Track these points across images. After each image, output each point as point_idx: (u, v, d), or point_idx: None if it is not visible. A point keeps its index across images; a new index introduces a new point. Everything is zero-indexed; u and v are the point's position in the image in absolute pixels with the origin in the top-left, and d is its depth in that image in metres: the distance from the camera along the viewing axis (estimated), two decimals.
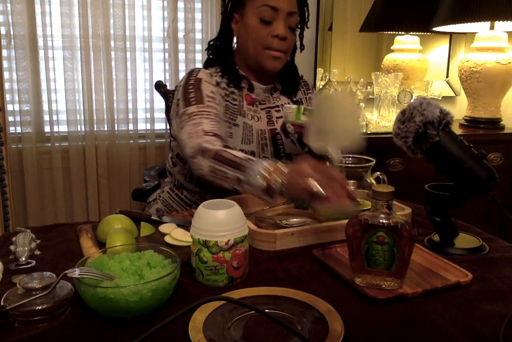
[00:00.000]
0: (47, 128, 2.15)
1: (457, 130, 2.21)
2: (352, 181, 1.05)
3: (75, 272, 0.65)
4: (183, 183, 1.34)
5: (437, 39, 2.57)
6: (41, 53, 2.05)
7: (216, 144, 1.09)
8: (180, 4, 2.17)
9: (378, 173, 1.13)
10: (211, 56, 1.38)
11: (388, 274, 0.74)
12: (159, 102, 2.08)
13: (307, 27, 1.37)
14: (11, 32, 1.97)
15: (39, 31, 2.02)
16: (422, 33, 2.39)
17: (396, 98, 2.15)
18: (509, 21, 1.94)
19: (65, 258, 0.87)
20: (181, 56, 2.23)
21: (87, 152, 2.17)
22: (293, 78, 1.41)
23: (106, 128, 2.18)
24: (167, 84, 2.00)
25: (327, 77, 2.39)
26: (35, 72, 2.06)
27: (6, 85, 2.00)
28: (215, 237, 0.75)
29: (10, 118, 2.06)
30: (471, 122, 2.26)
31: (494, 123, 2.23)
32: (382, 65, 2.46)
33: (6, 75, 1.99)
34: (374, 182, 1.10)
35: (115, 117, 2.17)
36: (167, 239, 0.93)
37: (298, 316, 0.66)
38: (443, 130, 0.87)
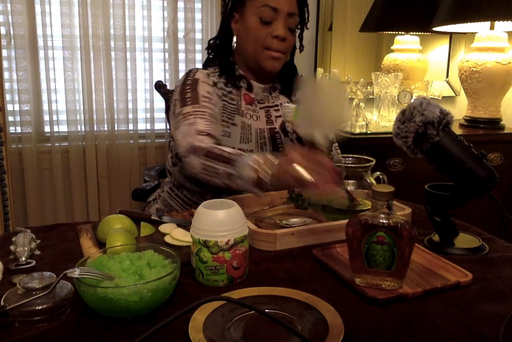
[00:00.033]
0: (47, 128, 2.15)
1: (457, 130, 2.21)
2: (352, 181, 1.06)
3: (75, 272, 0.65)
4: (183, 183, 1.34)
5: (437, 39, 2.57)
6: (41, 53, 2.05)
7: (208, 143, 1.09)
8: (180, 4, 2.17)
9: (378, 172, 1.13)
10: (211, 55, 1.38)
11: (388, 274, 0.74)
12: (159, 102, 2.08)
13: (307, 28, 1.37)
14: (11, 32, 1.97)
15: (39, 31, 2.02)
16: (422, 33, 2.39)
17: (396, 98, 2.15)
18: (509, 21, 1.94)
19: (65, 258, 0.87)
20: (181, 56, 2.23)
21: (87, 152, 2.17)
22: (292, 78, 1.42)
23: (106, 128, 2.18)
24: (167, 84, 2.00)
25: (327, 77, 2.38)
26: (35, 72, 2.06)
27: (6, 85, 2.00)
28: (215, 237, 0.75)
29: (10, 118, 2.06)
30: (471, 122, 2.26)
31: (494, 123, 2.23)
32: (382, 65, 2.46)
33: (6, 75, 1.99)
34: (374, 182, 1.10)
35: (115, 117, 2.17)
36: (167, 239, 0.93)
37: (298, 316, 0.66)
38: (443, 130, 0.87)
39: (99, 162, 2.20)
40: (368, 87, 2.00)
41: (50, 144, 2.13)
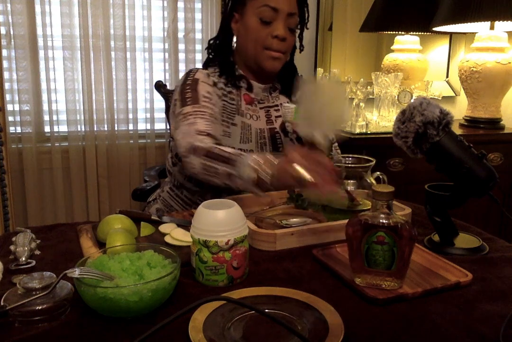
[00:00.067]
0: (47, 128, 2.15)
1: (457, 130, 2.21)
2: (352, 181, 1.06)
3: (75, 272, 0.65)
4: (183, 183, 1.34)
5: (437, 39, 2.57)
6: (41, 53, 2.05)
7: (208, 143, 1.09)
8: (180, 4, 2.17)
9: (378, 172, 1.13)
10: (211, 55, 1.38)
11: (388, 274, 0.74)
12: (159, 102, 2.08)
13: (307, 28, 1.37)
14: (11, 32, 1.97)
15: (39, 31, 2.02)
16: (422, 33, 2.39)
17: (396, 98, 2.15)
18: (509, 21, 1.94)
19: (65, 258, 0.87)
20: (181, 56, 2.23)
21: (87, 152, 2.17)
22: (292, 78, 1.41)
23: (106, 128, 2.18)
24: (167, 84, 2.00)
25: (327, 77, 2.38)
26: (35, 72, 2.06)
27: (6, 85, 2.00)
28: (215, 237, 0.75)
29: (10, 118, 2.06)
30: (471, 122, 2.26)
31: (494, 123, 2.23)
32: (382, 65, 2.46)
33: (6, 75, 1.99)
34: (374, 182, 1.10)
35: (115, 117, 2.18)
36: (167, 239, 0.93)
37: (298, 316, 0.66)
38: (443, 130, 0.87)
39: (99, 162, 2.20)
40: (368, 87, 2.00)
41: (50, 144, 2.13)
